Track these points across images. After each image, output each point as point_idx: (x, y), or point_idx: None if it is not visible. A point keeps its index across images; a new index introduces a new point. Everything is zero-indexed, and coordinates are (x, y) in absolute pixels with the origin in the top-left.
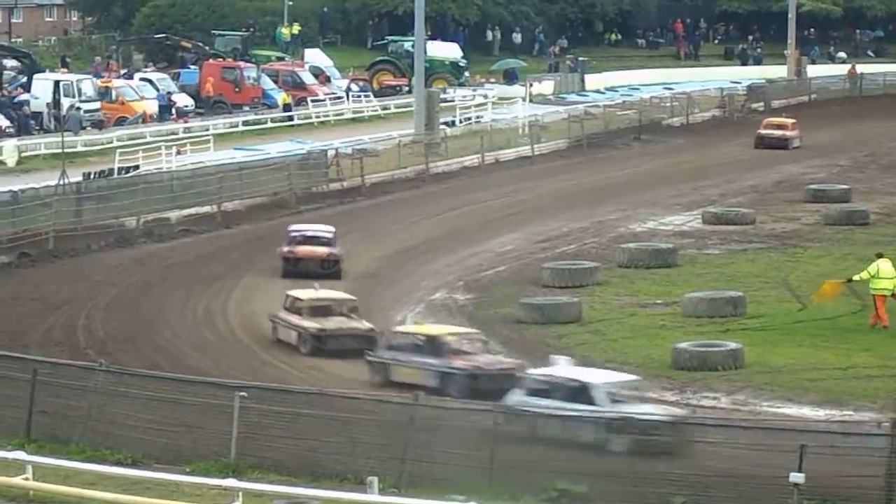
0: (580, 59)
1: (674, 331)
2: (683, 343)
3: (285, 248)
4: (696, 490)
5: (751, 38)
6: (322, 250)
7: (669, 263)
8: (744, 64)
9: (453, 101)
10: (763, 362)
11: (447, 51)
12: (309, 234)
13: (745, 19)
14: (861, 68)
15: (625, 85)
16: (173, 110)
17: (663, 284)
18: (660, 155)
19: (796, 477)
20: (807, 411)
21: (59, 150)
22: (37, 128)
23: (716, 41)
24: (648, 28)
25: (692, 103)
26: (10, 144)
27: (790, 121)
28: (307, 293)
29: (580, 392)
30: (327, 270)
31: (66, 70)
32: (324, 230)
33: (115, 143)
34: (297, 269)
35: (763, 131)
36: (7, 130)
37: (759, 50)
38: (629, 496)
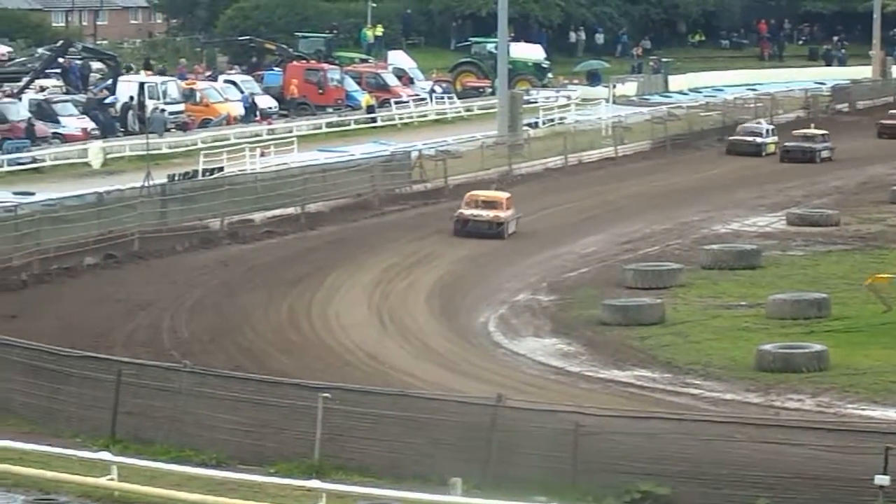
0: (663, 60)
1: (758, 332)
2: (767, 345)
3: None
4: (778, 492)
5: (835, 38)
6: None
7: (753, 265)
8: (828, 65)
9: (536, 102)
10: (848, 364)
11: (530, 52)
12: None
13: (830, 20)
14: None
15: (708, 86)
16: (257, 112)
17: (747, 286)
18: (743, 156)
19: (881, 479)
20: (892, 413)
21: (144, 152)
22: (121, 129)
23: (800, 42)
24: (732, 29)
25: (776, 104)
26: (96, 146)
27: (503, 195)
28: None
29: None
30: None
31: (150, 72)
32: None
33: (200, 145)
34: None
35: (467, 212)
36: (92, 132)
37: (843, 50)
38: (712, 498)
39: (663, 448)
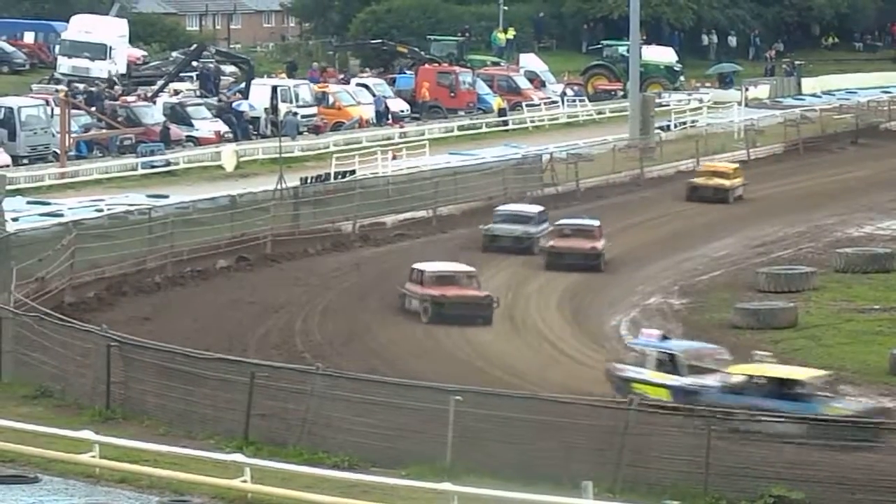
0: (796, 62)
1: (891, 336)
2: None
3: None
4: None
5: None
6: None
7: (887, 268)
8: None
9: (668, 105)
10: None
11: (662, 55)
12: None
13: None
14: None
15: (842, 89)
16: (389, 115)
17: (881, 289)
18: (877, 159)
19: None
20: None
21: (277, 155)
22: (255, 133)
23: None
24: (866, 31)
25: None
26: (229, 149)
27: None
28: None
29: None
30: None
31: (282, 74)
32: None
33: (332, 148)
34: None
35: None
36: (225, 136)
37: None
38: None
39: (797, 452)
